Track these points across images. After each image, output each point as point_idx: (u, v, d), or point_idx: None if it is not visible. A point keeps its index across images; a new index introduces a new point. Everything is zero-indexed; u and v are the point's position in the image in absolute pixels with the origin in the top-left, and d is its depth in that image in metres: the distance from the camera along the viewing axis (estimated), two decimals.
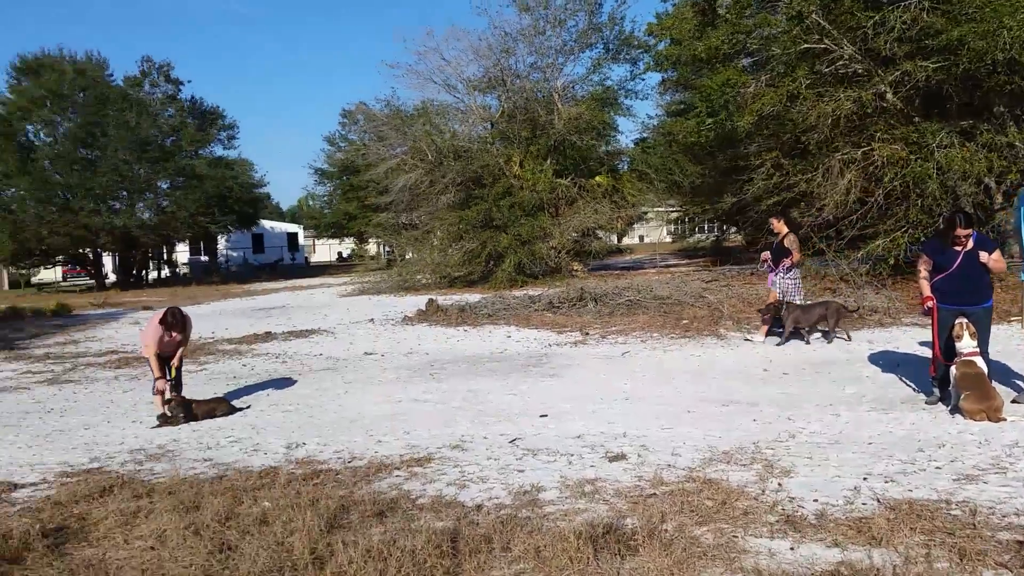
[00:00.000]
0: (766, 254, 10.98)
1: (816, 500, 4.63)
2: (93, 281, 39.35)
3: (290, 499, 4.93)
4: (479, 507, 4.80)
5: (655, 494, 4.87)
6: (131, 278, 38.68)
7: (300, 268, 51.83)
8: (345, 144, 43.76)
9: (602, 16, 24.98)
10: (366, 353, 11.91)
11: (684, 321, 12.75)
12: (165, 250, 44.08)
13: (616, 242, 39.10)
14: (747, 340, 10.87)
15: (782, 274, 10.67)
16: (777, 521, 4.32)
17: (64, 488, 5.56)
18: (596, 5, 24.49)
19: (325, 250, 66.53)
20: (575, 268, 24.29)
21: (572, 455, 5.86)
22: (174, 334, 7.91)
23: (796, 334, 10.49)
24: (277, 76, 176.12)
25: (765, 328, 10.78)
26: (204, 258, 48.96)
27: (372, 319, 16.47)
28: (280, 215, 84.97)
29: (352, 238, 51.81)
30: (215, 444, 6.79)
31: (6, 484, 5.78)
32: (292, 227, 63.22)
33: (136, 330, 16.32)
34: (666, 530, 4.21)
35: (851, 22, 13.62)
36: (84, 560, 4.19)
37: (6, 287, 44.18)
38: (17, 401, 9.39)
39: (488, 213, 23.13)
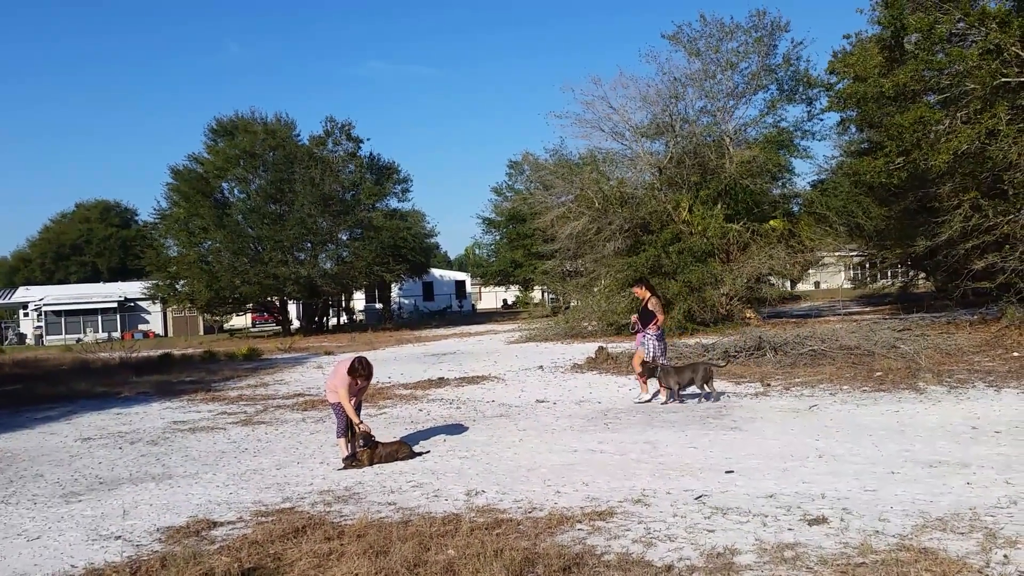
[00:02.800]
0: (635, 316, 11.60)
1: None
2: (279, 327, 42.05)
3: (475, 548, 4.87)
4: (669, 568, 4.54)
5: (864, 563, 4.44)
6: (313, 324, 41.02)
7: (467, 315, 53.13)
8: (511, 194, 44.74)
9: (776, 57, 24.31)
10: (538, 400, 11.85)
11: (877, 373, 11.85)
12: (343, 298, 46.48)
13: (790, 288, 37.42)
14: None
15: (651, 335, 11.15)
16: None
17: (260, 527, 5.76)
18: (770, 47, 23.88)
19: (491, 297, 67.98)
20: (748, 315, 23.38)
21: (766, 516, 5.47)
22: (359, 381, 8.19)
23: (673, 394, 10.85)
24: (448, 129, 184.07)
25: (645, 386, 11.24)
26: (378, 305, 51.21)
27: (541, 366, 16.48)
28: (448, 264, 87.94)
29: (517, 285, 52.61)
30: (397, 488, 6.88)
31: (206, 522, 6.07)
32: (460, 275, 65.11)
33: (319, 374, 17.17)
34: None
35: None
36: None
37: (201, 332, 48.02)
38: (214, 441, 9.97)
39: (656, 259, 22.76)
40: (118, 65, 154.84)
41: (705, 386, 10.76)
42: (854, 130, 25.23)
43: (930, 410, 9.34)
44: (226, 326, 51.28)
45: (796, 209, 26.56)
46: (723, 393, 11.19)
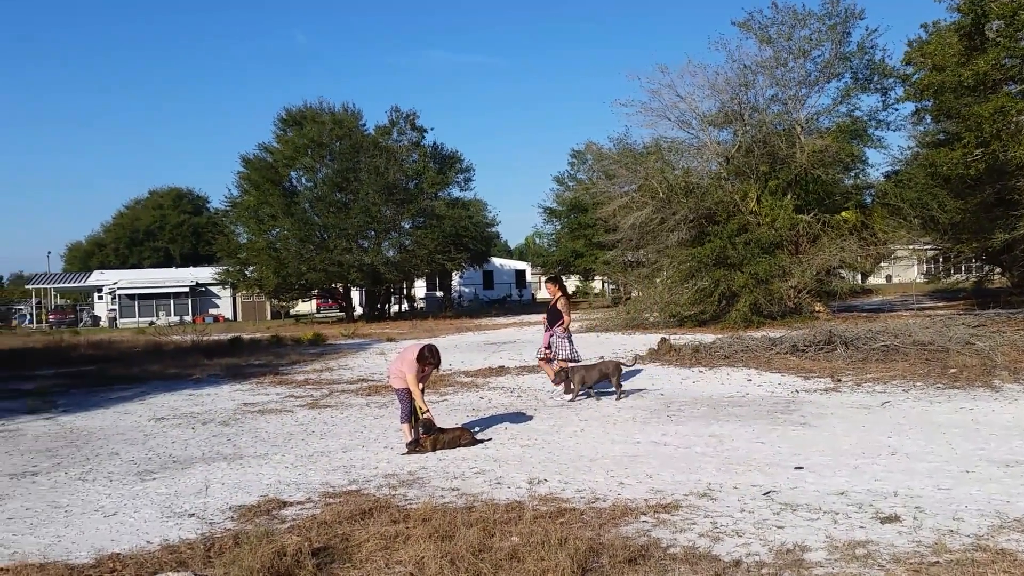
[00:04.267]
0: (544, 317, 11.71)
1: None
2: (343, 313, 42.77)
3: (539, 536, 4.86)
4: (737, 563, 4.47)
5: (939, 562, 4.33)
6: (375, 311, 41.56)
7: (527, 304, 53.19)
8: (574, 183, 44.52)
9: (850, 45, 23.58)
10: (599, 391, 11.77)
11: (951, 370, 11.46)
12: (405, 285, 46.99)
13: (860, 282, 36.47)
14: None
15: (557, 335, 11.20)
16: None
17: (328, 508, 5.87)
18: (844, 34, 23.19)
19: None
20: (817, 309, 22.83)
21: (837, 513, 5.35)
22: (426, 368, 8.26)
23: (582, 391, 10.90)
24: (510, 118, 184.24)
25: (563, 386, 11.10)
26: (439, 293, 51.64)
27: (602, 356, 16.37)
28: (508, 253, 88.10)
29: (577, 275, 52.41)
30: (460, 474, 6.92)
31: (276, 501, 6.20)
32: (520, 264, 65.18)
33: (382, 360, 17.38)
34: None
35: None
36: None
37: (268, 317, 49.10)
38: (282, 423, 10.18)
39: (722, 250, 22.38)
40: (190, 55, 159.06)
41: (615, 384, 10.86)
42: (930, 120, 24.40)
43: (1006, 408, 9.02)
44: (292, 311, 52.37)
45: (869, 200, 25.81)
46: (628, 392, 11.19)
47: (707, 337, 17.89)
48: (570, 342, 11.36)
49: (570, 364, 11.10)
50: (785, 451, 7.37)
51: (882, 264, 33.15)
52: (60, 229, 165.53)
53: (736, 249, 22.34)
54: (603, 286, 53.64)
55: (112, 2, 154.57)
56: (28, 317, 56.42)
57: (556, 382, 10.99)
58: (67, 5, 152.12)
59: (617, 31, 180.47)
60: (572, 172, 46.40)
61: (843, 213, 23.86)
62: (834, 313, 23.38)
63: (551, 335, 11.35)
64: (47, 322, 50.61)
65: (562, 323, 11.27)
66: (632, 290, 29.98)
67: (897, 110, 24.69)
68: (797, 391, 10.88)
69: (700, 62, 35.75)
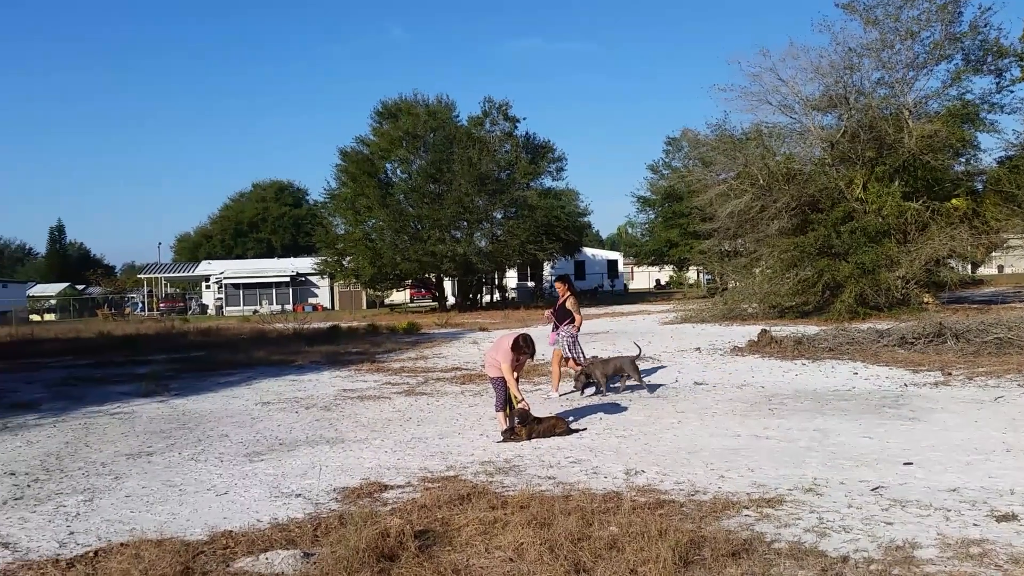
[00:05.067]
0: (549, 313, 11.51)
1: None
2: (436, 303, 43.40)
3: (638, 527, 4.83)
4: (845, 559, 4.34)
5: None
6: (467, 301, 42.02)
7: (619, 295, 52.79)
8: (668, 171, 43.86)
9: (961, 25, 22.43)
10: (696, 383, 11.60)
11: None
12: (496, 275, 47.32)
13: (971, 272, 34.73)
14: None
15: (564, 333, 11.01)
16: None
17: (427, 492, 5.97)
18: (955, 14, 22.06)
19: (643, 277, 67.18)
20: (926, 300, 21.88)
21: (949, 511, 5.13)
22: (521, 358, 8.30)
23: (590, 384, 10.76)
24: (603, 105, 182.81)
25: (556, 382, 11.08)
26: (530, 283, 51.80)
27: (698, 348, 16.13)
28: (600, 243, 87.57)
29: (672, 265, 51.66)
30: (556, 463, 6.93)
31: (377, 484, 6.35)
32: (612, 254, 64.73)
33: (475, 350, 17.56)
34: None
35: None
36: (451, 564, 4.40)
37: (364, 306, 50.28)
38: (380, 409, 10.41)
39: (826, 239, 21.67)
40: (293, 54, 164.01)
41: (633, 378, 10.82)
42: None
43: None
44: (386, 301, 53.47)
45: (980, 187, 24.56)
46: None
47: (810, 329, 17.41)
48: (576, 342, 11.21)
49: (590, 359, 10.99)
50: (893, 446, 7.10)
51: (994, 254, 31.52)
52: (170, 221, 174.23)
53: (841, 238, 21.62)
54: (698, 276, 52.75)
55: (219, 8, 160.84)
56: (140, 305, 59.51)
57: (577, 385, 10.88)
58: (178, 10, 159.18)
59: (714, 15, 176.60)
60: (667, 160, 45.80)
61: (953, 200, 22.81)
62: (943, 304, 22.38)
63: (557, 334, 11.16)
64: (158, 310, 53.26)
65: (572, 322, 11.10)
66: (729, 280, 29.34)
67: (1012, 92, 23.39)
68: (906, 385, 10.46)
69: (803, 45, 34.56)
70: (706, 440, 7.74)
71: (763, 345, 14.95)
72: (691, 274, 54.62)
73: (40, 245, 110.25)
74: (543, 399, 10.58)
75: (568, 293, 11.29)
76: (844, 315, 20.26)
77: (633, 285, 66.95)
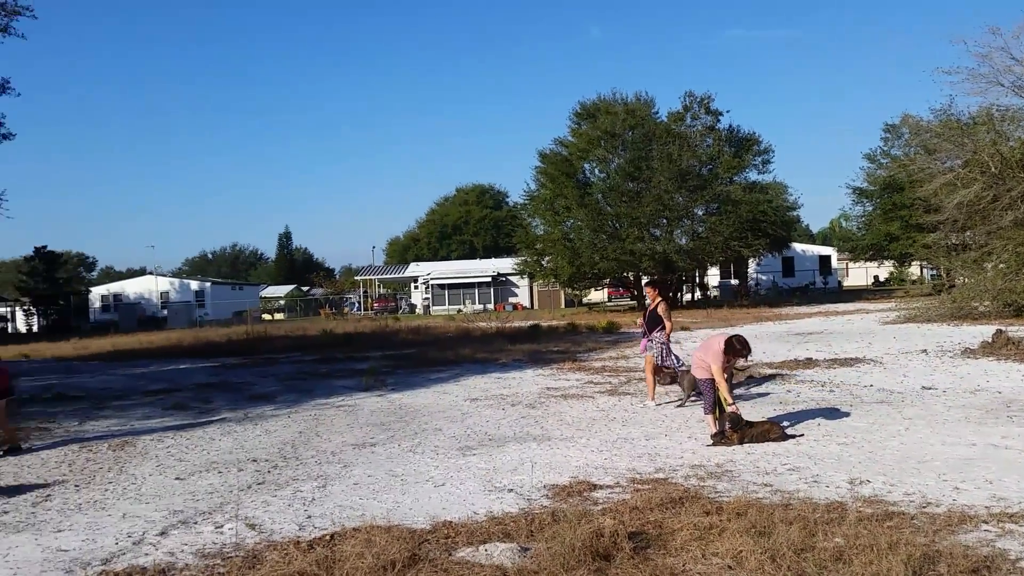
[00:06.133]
0: (640, 320, 11.23)
1: None
2: (634, 302, 43.04)
3: (865, 540, 4.53)
4: None
5: None
6: (667, 300, 41.26)
7: (832, 292, 49.89)
8: (887, 160, 40.79)
9: None
10: (924, 387, 10.71)
11: None
12: (698, 273, 46.11)
13: None
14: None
15: (656, 339, 10.62)
16: None
17: (638, 494, 5.91)
18: None
19: (859, 274, 63.07)
20: None
21: None
22: (731, 359, 8.05)
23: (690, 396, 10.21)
24: (813, 93, 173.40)
25: (653, 392, 10.69)
26: (734, 281, 50.10)
27: (925, 350, 14.90)
28: (810, 238, 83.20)
29: (892, 261, 48.03)
30: (772, 470, 6.63)
31: (586, 483, 6.37)
32: (824, 250, 61.29)
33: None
34: None
35: None
36: (668, 568, 4.32)
37: (563, 305, 50.82)
38: (584, 408, 10.46)
39: None
40: (495, 60, 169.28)
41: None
42: None
43: None
44: (584, 300, 53.77)
45: None
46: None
47: None
48: (669, 350, 10.79)
49: (681, 369, 10.57)
50: None
51: None
52: (383, 225, 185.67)
53: None
54: (922, 272, 48.74)
55: (437, 23, 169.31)
56: (356, 305, 63.74)
57: (660, 382, 10.68)
58: (390, 25, 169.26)
59: None
60: (885, 148, 42.48)
61: None
62: None
63: (648, 340, 10.74)
64: (372, 309, 56.74)
65: (663, 329, 10.72)
66: (957, 276, 26.89)
67: None
68: None
69: None
70: (937, 449, 7.13)
71: (998, 347, 13.56)
72: (914, 270, 50.56)
73: (270, 250, 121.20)
74: (753, 404, 10.18)
75: (659, 299, 11.02)
76: None
77: (848, 282, 63.00)
